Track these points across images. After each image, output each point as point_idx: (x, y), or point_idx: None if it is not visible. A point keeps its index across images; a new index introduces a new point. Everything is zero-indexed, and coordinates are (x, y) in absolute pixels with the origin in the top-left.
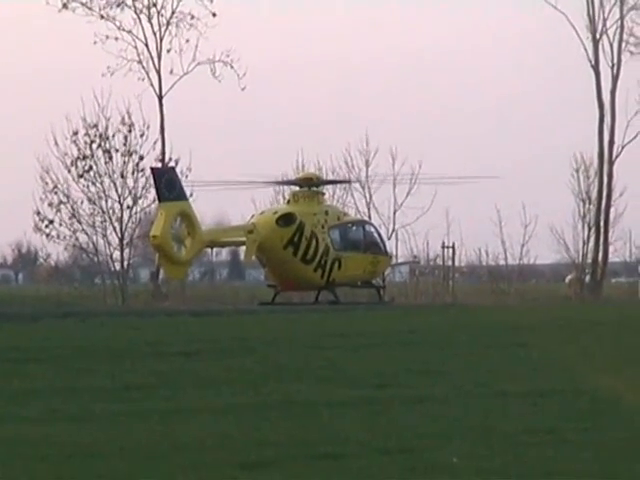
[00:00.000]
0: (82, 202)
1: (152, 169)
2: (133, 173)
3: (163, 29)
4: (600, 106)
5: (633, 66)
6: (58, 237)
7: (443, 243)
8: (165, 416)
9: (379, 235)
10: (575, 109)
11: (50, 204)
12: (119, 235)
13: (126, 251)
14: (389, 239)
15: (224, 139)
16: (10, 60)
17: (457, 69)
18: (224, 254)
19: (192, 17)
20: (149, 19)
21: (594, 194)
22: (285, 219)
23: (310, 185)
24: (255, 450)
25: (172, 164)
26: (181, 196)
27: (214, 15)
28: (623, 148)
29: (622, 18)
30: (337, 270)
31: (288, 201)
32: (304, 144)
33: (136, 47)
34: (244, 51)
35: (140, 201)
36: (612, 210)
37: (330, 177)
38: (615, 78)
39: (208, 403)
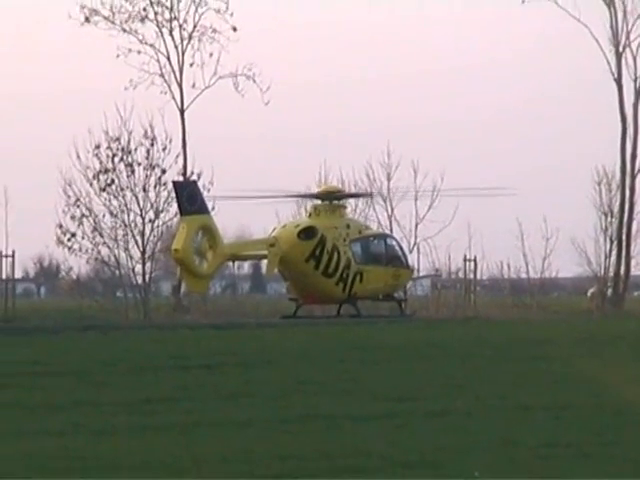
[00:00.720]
0: (104, 215)
1: (174, 183)
2: (155, 187)
3: (185, 42)
4: (622, 119)
5: None
6: (80, 250)
7: (465, 256)
8: (187, 429)
9: (400, 248)
10: (597, 122)
11: (72, 217)
12: (141, 249)
13: (148, 264)
14: (411, 252)
15: (246, 153)
16: (33, 74)
17: (479, 82)
18: (246, 267)
19: (214, 31)
20: (171, 32)
21: (616, 207)
22: (307, 232)
23: (332, 198)
24: (277, 464)
25: (194, 178)
26: (203, 210)
27: (234, 29)
28: None
29: None
30: (359, 283)
31: (310, 214)
32: (326, 157)
33: (158, 60)
34: (266, 65)
35: (162, 215)
36: (634, 223)
37: (352, 190)
38: (638, 92)
39: (229, 416)
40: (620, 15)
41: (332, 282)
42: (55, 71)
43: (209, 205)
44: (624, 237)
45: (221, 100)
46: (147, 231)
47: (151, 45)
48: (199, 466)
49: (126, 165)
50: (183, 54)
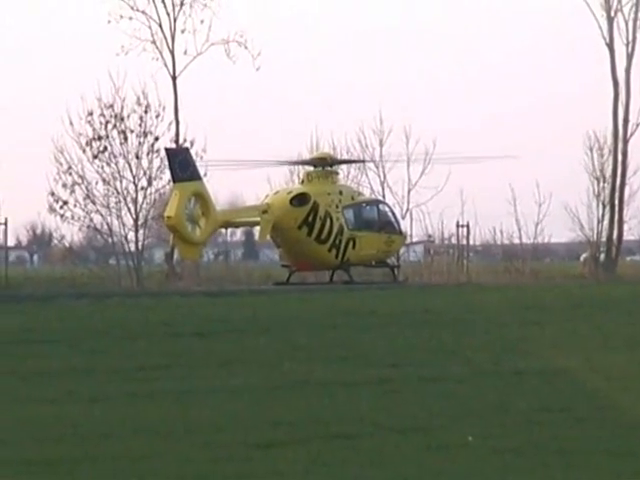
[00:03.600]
0: (97, 183)
1: (166, 150)
2: (148, 154)
3: (177, 9)
4: (615, 84)
5: None
6: (72, 218)
7: (457, 222)
8: (180, 396)
9: (393, 214)
10: (590, 87)
11: (64, 185)
12: (134, 216)
13: (140, 232)
14: (403, 218)
15: (239, 120)
16: (25, 39)
17: (470, 47)
18: (238, 234)
19: None
20: None
21: (608, 172)
22: (299, 199)
23: (324, 165)
24: (269, 430)
25: (187, 145)
26: (195, 176)
27: None
28: (638, 126)
29: None
30: (351, 250)
31: (302, 181)
32: (318, 124)
33: (150, 27)
34: (258, 31)
35: (155, 182)
36: (627, 188)
37: (344, 157)
38: (630, 56)
39: (222, 383)
40: None
41: (325, 248)
42: (46, 37)
43: (202, 172)
44: (616, 202)
45: (213, 67)
46: (140, 198)
47: (142, 12)
48: (192, 433)
49: (119, 132)
50: (175, 21)
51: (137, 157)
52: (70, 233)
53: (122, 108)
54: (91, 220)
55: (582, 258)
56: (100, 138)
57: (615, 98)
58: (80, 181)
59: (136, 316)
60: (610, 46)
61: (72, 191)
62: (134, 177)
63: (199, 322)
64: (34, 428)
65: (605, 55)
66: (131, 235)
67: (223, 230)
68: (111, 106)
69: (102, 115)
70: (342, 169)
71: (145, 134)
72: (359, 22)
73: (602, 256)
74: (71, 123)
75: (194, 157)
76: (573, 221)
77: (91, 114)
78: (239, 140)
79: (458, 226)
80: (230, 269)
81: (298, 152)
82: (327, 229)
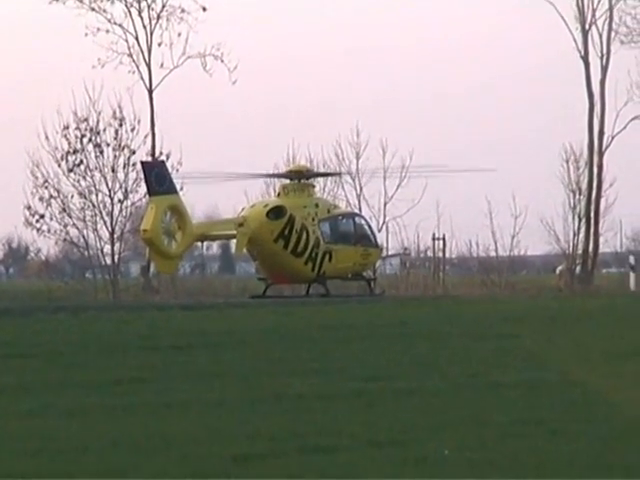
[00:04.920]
0: (72, 196)
1: (142, 163)
2: (124, 167)
3: (154, 22)
4: (590, 96)
5: (622, 56)
6: (49, 231)
7: (434, 235)
8: (156, 410)
9: (369, 227)
10: (565, 100)
11: (41, 198)
12: (110, 229)
13: (117, 245)
14: (380, 231)
15: (215, 133)
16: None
17: (445, 60)
18: (215, 248)
19: (182, 11)
20: (139, 12)
21: (584, 185)
22: (275, 212)
23: (300, 178)
24: (247, 443)
25: (163, 158)
26: (171, 190)
27: (204, 9)
28: (613, 138)
29: (611, 8)
30: (328, 263)
31: (278, 194)
32: (295, 137)
33: (127, 40)
34: (234, 45)
35: (131, 195)
36: (602, 201)
37: (321, 169)
38: (604, 68)
39: (199, 397)
40: None
41: (301, 261)
42: (22, 50)
43: (178, 185)
44: (592, 215)
45: (189, 80)
46: (116, 212)
47: (119, 25)
48: (169, 446)
49: (95, 146)
50: (152, 34)
51: (113, 170)
52: (46, 246)
53: (98, 121)
54: (67, 233)
55: (558, 271)
56: (76, 152)
57: (590, 110)
58: (56, 194)
59: (113, 329)
60: (585, 59)
61: (48, 204)
62: (110, 190)
63: (176, 335)
64: (10, 442)
65: (580, 68)
66: (107, 248)
67: (199, 243)
68: (86, 119)
69: (78, 129)
70: (318, 182)
71: (121, 147)
72: (336, 37)
73: (578, 269)
74: (47, 137)
75: (170, 170)
76: (549, 234)
77: (67, 128)
78: (215, 153)
79: (434, 239)
80: (207, 282)
81: (275, 165)
82: (303, 242)
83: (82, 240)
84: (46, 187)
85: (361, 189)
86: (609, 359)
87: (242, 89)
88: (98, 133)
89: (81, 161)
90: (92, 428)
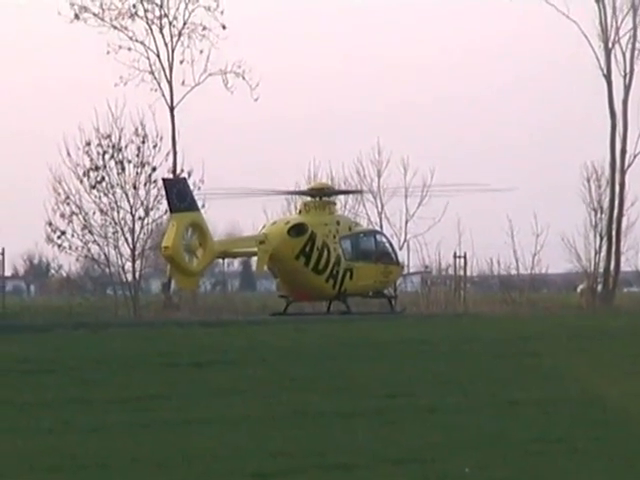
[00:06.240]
0: (94, 213)
1: (163, 180)
2: (145, 184)
3: (175, 40)
4: (612, 115)
5: None
6: (70, 248)
7: (455, 253)
8: (177, 427)
9: (390, 245)
10: (587, 118)
11: (62, 215)
12: (131, 246)
13: (138, 262)
14: (401, 249)
15: (236, 150)
16: (23, 71)
17: (468, 78)
18: (236, 265)
19: (204, 28)
20: (161, 30)
21: (606, 203)
22: (296, 229)
23: (322, 195)
24: (267, 460)
25: (184, 175)
26: (192, 207)
27: (224, 27)
28: (635, 157)
29: (635, 27)
30: (349, 280)
31: (300, 211)
32: (316, 154)
33: (148, 58)
34: (256, 62)
35: (152, 212)
36: (624, 219)
37: (342, 187)
38: (627, 87)
39: (219, 413)
40: (609, 11)
41: (322, 279)
42: (45, 67)
43: (199, 202)
44: (614, 233)
45: (211, 97)
46: (137, 229)
47: (141, 42)
48: (190, 463)
49: (116, 162)
50: (173, 51)
51: (134, 187)
52: (67, 263)
53: (120, 138)
54: (88, 250)
55: (579, 289)
56: (97, 168)
57: (612, 129)
58: (78, 211)
59: (133, 346)
60: (607, 77)
61: (70, 221)
62: (131, 207)
63: (196, 352)
64: (31, 459)
65: (602, 86)
66: (128, 265)
67: (220, 260)
68: (109, 136)
69: (100, 145)
70: (340, 199)
71: (143, 164)
72: (358, 53)
73: (599, 287)
74: (69, 154)
75: (191, 187)
76: (570, 252)
77: (89, 144)
78: (237, 171)
79: (455, 257)
80: (227, 299)
81: (296, 182)
82: (324, 259)
83: (103, 257)
84: (68, 203)
85: (382, 207)
86: (630, 378)
87: (263, 106)
88: (120, 150)
89: (103, 178)
90: (112, 445)
